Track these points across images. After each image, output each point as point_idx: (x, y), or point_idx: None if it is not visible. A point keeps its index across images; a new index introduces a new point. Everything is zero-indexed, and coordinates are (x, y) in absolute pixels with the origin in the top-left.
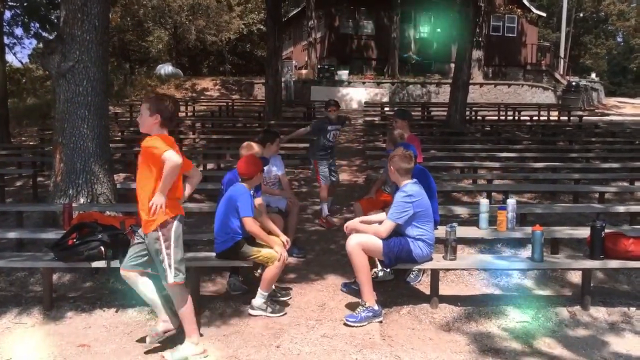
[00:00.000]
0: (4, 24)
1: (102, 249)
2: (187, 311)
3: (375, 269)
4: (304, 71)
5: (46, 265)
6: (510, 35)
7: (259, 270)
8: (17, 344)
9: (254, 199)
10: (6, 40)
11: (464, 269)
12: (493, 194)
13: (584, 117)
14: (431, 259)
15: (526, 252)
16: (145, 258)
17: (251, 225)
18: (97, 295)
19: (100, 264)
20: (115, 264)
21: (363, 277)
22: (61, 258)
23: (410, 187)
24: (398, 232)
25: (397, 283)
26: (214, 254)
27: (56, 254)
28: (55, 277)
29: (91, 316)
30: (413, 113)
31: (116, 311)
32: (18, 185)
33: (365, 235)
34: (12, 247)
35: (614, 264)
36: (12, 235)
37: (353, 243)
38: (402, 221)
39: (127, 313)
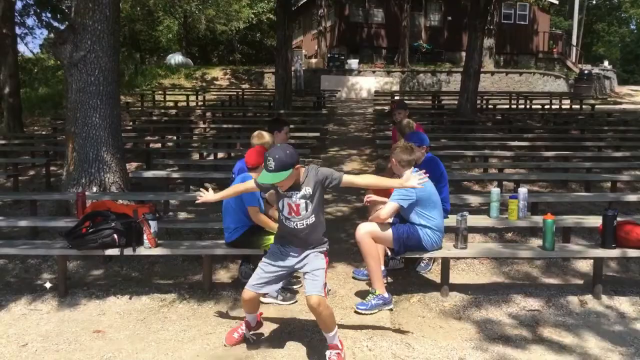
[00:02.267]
0: (16, 14)
1: (116, 236)
2: None
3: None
4: (313, 60)
5: (60, 253)
6: (522, 23)
7: None
8: (32, 329)
9: None
10: (18, 31)
11: (474, 258)
12: (504, 182)
13: (597, 106)
14: (441, 247)
15: (537, 241)
16: None
17: (255, 214)
18: (111, 283)
19: (113, 251)
20: (128, 251)
21: (373, 265)
22: (75, 246)
23: None
24: (404, 219)
25: (407, 271)
26: (224, 242)
27: (70, 242)
28: (69, 264)
29: (105, 303)
30: (423, 102)
31: (129, 298)
32: (31, 174)
33: (374, 224)
34: (27, 235)
35: (626, 253)
36: (26, 223)
37: (363, 232)
38: (405, 204)
39: (141, 300)
